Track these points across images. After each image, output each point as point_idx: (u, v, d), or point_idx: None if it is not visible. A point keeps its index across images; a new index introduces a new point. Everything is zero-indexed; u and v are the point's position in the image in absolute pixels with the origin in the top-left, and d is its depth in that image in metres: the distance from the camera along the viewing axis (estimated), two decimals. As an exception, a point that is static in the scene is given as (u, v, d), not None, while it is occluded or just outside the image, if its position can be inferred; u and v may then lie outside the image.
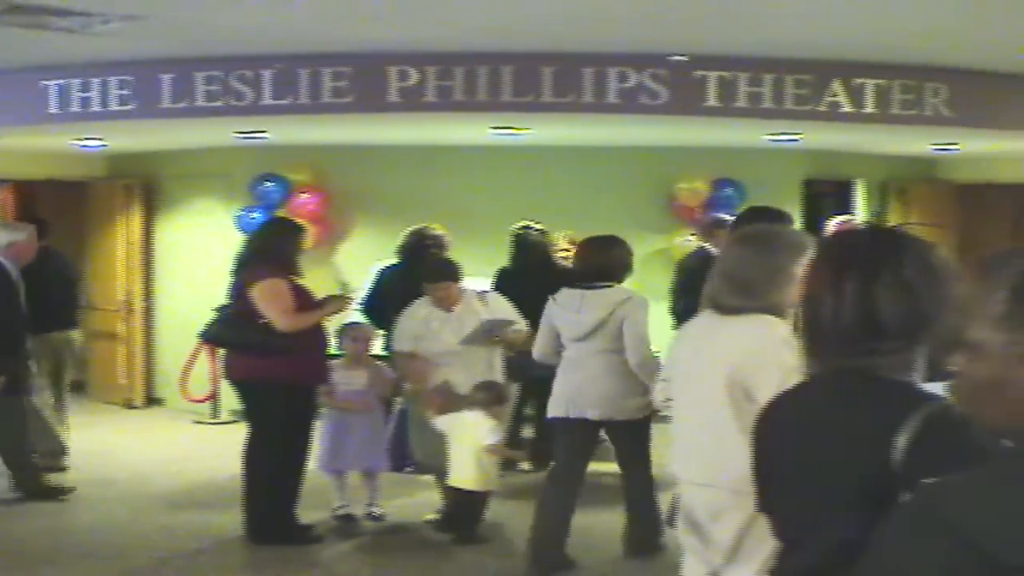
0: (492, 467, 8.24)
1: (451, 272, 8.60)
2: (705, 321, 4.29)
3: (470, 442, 8.12)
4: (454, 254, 9.80)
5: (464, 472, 8.19)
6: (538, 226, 10.73)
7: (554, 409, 7.67)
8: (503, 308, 8.70)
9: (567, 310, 7.68)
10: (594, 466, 8.02)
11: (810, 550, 2.47)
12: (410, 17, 8.62)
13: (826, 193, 15.20)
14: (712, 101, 10.09)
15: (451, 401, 8.31)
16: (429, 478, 9.06)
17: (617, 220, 13.20)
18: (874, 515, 2.18)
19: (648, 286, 12.17)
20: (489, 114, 10.36)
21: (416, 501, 9.37)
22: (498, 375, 8.70)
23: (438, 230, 10.21)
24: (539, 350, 7.93)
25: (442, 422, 8.23)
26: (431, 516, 8.78)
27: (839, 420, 2.51)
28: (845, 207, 14.96)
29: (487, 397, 8.23)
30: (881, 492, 2.33)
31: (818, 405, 2.60)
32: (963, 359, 1.82)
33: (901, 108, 10.49)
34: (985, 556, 1.52)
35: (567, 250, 11.13)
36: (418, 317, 8.50)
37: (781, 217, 6.18)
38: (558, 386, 7.64)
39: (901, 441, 2.33)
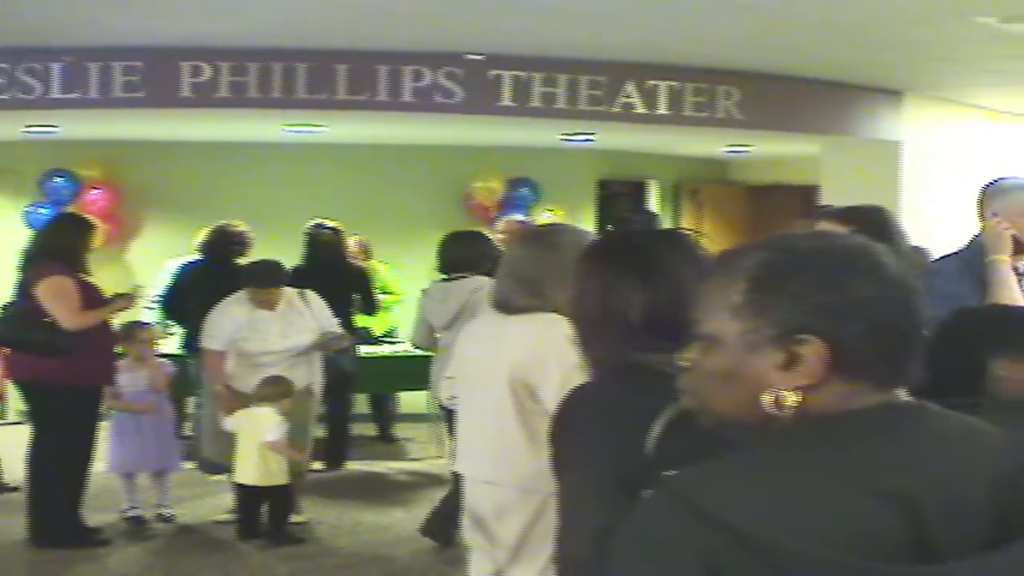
0: (276, 463, 8.11)
1: (280, 277, 8.52)
2: (490, 320, 4.30)
3: (255, 438, 8.02)
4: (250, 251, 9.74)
5: (247, 468, 8.08)
6: (331, 224, 10.66)
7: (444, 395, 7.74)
8: (323, 307, 8.66)
9: (434, 301, 8.12)
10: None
11: (578, 538, 2.50)
12: (203, 12, 8.49)
13: (620, 194, 15.39)
14: (507, 101, 10.12)
15: (238, 399, 8.21)
16: (221, 478, 8.93)
17: (413, 218, 13.26)
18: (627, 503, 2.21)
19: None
20: (283, 111, 10.25)
21: (207, 502, 9.22)
22: (318, 375, 8.69)
23: (241, 227, 10.08)
24: (418, 339, 8.52)
25: (232, 421, 8.12)
26: (222, 517, 8.66)
27: (608, 412, 2.54)
28: (639, 207, 15.17)
29: (274, 392, 8.12)
30: (636, 481, 2.36)
31: (594, 399, 2.64)
32: (698, 351, 1.85)
33: (693, 110, 10.67)
34: (733, 534, 1.56)
35: (356, 254, 11.17)
36: (237, 317, 8.34)
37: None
38: (438, 374, 7.69)
39: (655, 430, 2.37)
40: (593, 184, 14.80)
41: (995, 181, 5.24)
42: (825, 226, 4.67)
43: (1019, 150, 13.44)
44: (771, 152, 14.68)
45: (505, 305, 4.21)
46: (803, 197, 12.37)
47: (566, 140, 12.55)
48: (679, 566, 1.59)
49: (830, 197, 10.93)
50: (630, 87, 10.40)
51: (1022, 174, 12.53)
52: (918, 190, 11.83)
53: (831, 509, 1.57)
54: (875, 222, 4.39)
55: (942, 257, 5.28)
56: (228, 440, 8.26)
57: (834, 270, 1.73)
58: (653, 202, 15.32)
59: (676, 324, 2.50)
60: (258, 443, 8.01)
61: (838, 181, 11.78)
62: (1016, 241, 4.91)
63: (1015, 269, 4.91)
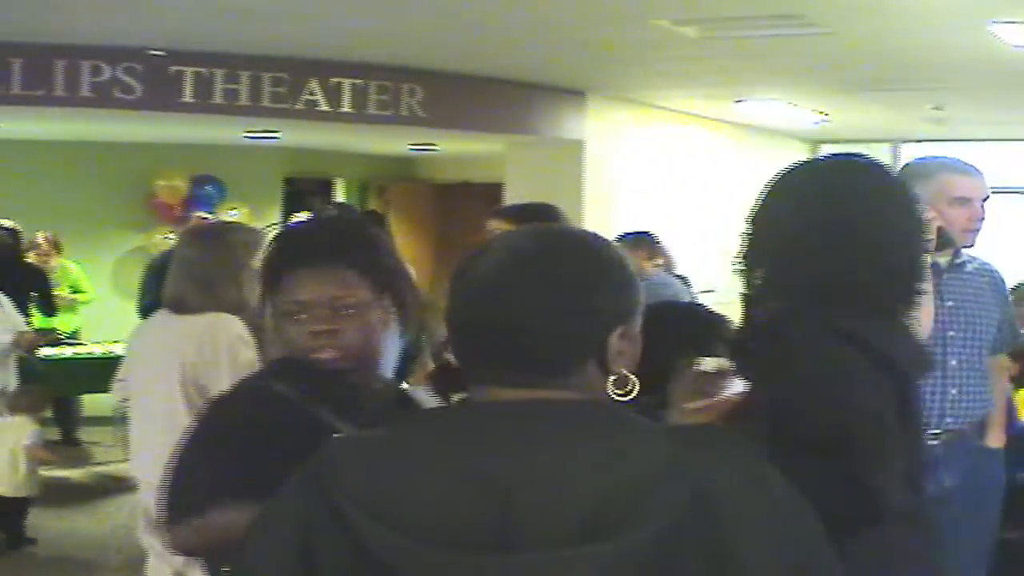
0: (30, 471, 7.99)
1: None
2: (160, 320, 4.21)
3: (6, 447, 7.88)
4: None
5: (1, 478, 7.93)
6: (7, 224, 10.26)
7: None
8: (11, 307, 8.37)
9: None
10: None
11: None
12: None
13: (307, 191, 15.31)
14: (188, 97, 9.90)
15: None
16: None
17: (95, 217, 12.89)
18: None
19: (123, 286, 11.93)
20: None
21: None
22: (13, 376, 8.43)
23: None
24: None
25: None
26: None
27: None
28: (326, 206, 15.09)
29: (28, 402, 8.08)
30: None
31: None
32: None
33: (377, 108, 10.64)
34: (328, 505, 1.63)
35: (46, 250, 10.86)
36: None
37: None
38: None
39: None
40: (279, 182, 14.69)
41: (913, 161, 4.43)
42: (495, 225, 4.71)
43: (698, 149, 13.94)
44: (458, 150, 14.81)
45: (177, 304, 4.13)
46: (490, 195, 12.49)
47: (250, 137, 12.40)
48: (279, 535, 1.67)
49: (515, 195, 11.07)
50: (313, 84, 10.31)
51: (700, 172, 12.91)
52: (601, 188, 12.11)
53: (430, 491, 1.61)
54: (544, 220, 4.44)
55: None
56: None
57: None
58: (340, 200, 15.26)
59: None
60: (10, 452, 7.90)
61: (523, 180, 11.95)
62: (940, 235, 4.04)
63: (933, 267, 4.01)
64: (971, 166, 4.30)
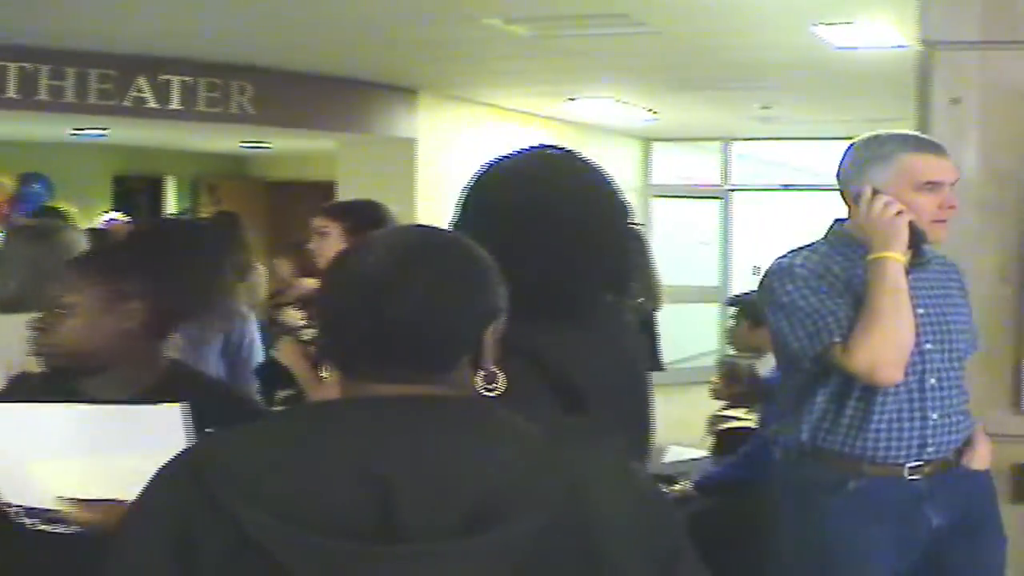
0: None
1: None
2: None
3: None
4: None
5: None
6: None
7: None
8: None
9: None
10: None
11: None
12: None
13: (137, 189, 15.08)
14: (12, 93, 9.67)
15: None
16: None
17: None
18: None
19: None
20: None
21: None
22: None
23: None
24: None
25: None
26: None
27: None
28: (157, 204, 14.92)
29: None
30: None
31: None
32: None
33: (207, 105, 10.52)
34: (208, 496, 1.63)
35: None
36: None
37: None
38: None
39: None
40: (108, 180, 14.42)
41: (863, 139, 3.50)
42: (320, 223, 4.70)
43: (524, 145, 13.98)
44: (290, 148, 14.70)
45: (15, 303, 4.04)
46: (322, 193, 12.40)
47: (77, 135, 12.16)
48: (152, 532, 1.67)
49: (347, 193, 11.01)
50: (142, 81, 10.14)
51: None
52: (433, 186, 12.11)
53: (312, 482, 1.63)
54: (369, 218, 4.42)
55: (785, 256, 3.53)
56: None
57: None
58: (171, 198, 15.08)
59: None
60: None
61: (355, 178, 11.90)
62: (912, 231, 3.35)
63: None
64: (935, 142, 3.51)
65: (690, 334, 13.97)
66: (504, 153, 2.57)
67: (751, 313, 5.99)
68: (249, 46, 9.69)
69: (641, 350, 2.78)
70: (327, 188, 12.18)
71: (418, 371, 1.76)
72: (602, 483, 1.70)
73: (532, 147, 2.63)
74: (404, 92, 11.95)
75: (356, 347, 1.77)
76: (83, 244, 4.27)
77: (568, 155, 2.59)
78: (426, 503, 1.62)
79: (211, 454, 1.72)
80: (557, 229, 2.40)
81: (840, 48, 8.87)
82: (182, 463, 1.72)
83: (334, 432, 1.71)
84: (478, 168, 2.53)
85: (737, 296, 6.83)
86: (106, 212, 13.89)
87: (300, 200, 14.38)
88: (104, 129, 11.82)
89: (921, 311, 3.36)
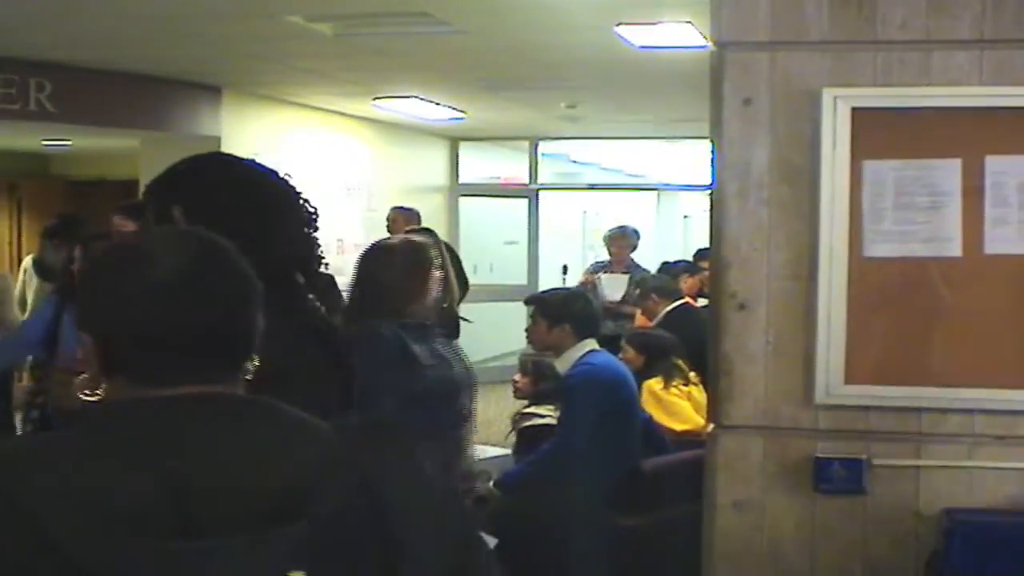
0: None
1: None
2: None
3: None
4: None
5: None
6: None
7: None
8: None
9: None
10: None
11: None
12: None
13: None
14: None
15: None
16: None
17: None
18: None
19: None
20: None
21: None
22: None
23: None
24: None
25: None
26: None
27: None
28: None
29: None
30: None
31: None
32: None
33: (4, 102, 10.23)
34: (9, 500, 1.62)
35: None
36: None
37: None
38: None
39: None
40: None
41: None
42: (119, 221, 4.62)
43: (338, 146, 13.94)
44: (93, 146, 14.40)
45: None
46: (126, 192, 12.18)
47: None
48: None
49: (151, 193, 10.82)
50: (-67, 77, 9.85)
51: (340, 169, 12.89)
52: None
53: (105, 482, 1.62)
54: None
55: None
56: None
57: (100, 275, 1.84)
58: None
59: None
60: None
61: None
62: None
63: None
64: None
65: (499, 333, 14.02)
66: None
67: (549, 312, 6.05)
68: (47, 41, 9.45)
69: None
70: (130, 187, 11.94)
71: (215, 371, 1.78)
72: (393, 475, 1.76)
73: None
74: (208, 90, 11.78)
75: (157, 354, 1.76)
76: None
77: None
78: (222, 499, 1.63)
79: (14, 460, 1.71)
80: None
81: (643, 48, 8.98)
82: None
83: (130, 432, 1.71)
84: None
85: (536, 295, 6.89)
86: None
87: (103, 199, 14.11)
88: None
89: None
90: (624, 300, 10.31)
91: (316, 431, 1.78)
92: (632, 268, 10.83)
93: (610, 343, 6.90)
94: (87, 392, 1.91)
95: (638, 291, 9.44)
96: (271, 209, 2.73)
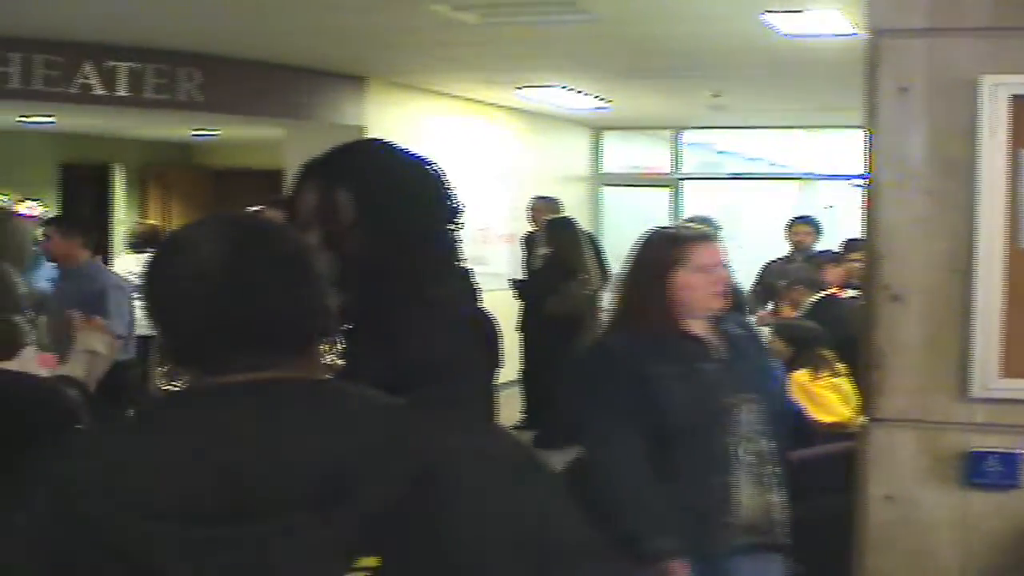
0: None
1: None
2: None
3: None
4: None
5: None
6: None
7: None
8: None
9: None
10: None
11: None
12: None
13: (84, 177, 14.98)
14: (-43, 80, 9.58)
15: None
16: None
17: None
18: None
19: None
20: None
21: None
22: None
23: None
24: None
25: None
26: None
27: None
28: (104, 192, 14.82)
29: None
30: None
31: None
32: None
33: (154, 92, 10.44)
34: (66, 497, 1.65)
35: None
36: None
37: None
38: None
39: None
40: (54, 167, 14.30)
41: None
42: (269, 214, 4.66)
43: (480, 135, 13.98)
44: (237, 136, 14.64)
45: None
46: (270, 181, 12.35)
47: (23, 122, 12.05)
48: (23, 533, 1.68)
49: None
50: (88, 68, 10.04)
51: (483, 158, 12.97)
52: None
53: (162, 472, 1.65)
54: None
55: None
56: None
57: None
58: (119, 185, 14.97)
59: None
60: None
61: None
62: None
63: None
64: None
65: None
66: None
67: None
68: (197, 33, 9.63)
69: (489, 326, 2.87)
70: (275, 176, 12.10)
71: (265, 357, 1.78)
72: (461, 460, 1.72)
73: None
74: (352, 79, 11.90)
75: (209, 343, 1.78)
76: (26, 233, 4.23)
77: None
78: (277, 484, 1.64)
79: (63, 461, 1.74)
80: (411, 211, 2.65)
81: (790, 36, 8.88)
82: (42, 472, 1.74)
83: (185, 423, 1.73)
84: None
85: None
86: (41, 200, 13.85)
87: (247, 188, 14.32)
88: (50, 116, 11.70)
89: None
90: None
91: (377, 414, 1.77)
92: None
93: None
94: (167, 382, 1.93)
95: (784, 282, 9.33)
96: (430, 201, 2.71)
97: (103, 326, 4.48)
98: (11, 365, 3.74)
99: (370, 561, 1.63)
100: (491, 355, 2.73)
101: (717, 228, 10.43)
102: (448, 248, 2.77)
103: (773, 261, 10.66)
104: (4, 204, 12.06)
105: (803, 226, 10.58)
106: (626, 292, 4.13)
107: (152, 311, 1.83)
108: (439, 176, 2.78)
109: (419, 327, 2.53)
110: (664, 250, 4.00)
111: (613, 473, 3.79)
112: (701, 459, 3.88)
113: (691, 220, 10.66)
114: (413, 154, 2.79)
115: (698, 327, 4.01)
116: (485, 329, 2.73)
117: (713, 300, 3.98)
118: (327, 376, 1.90)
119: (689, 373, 3.91)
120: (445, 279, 2.71)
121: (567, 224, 10.94)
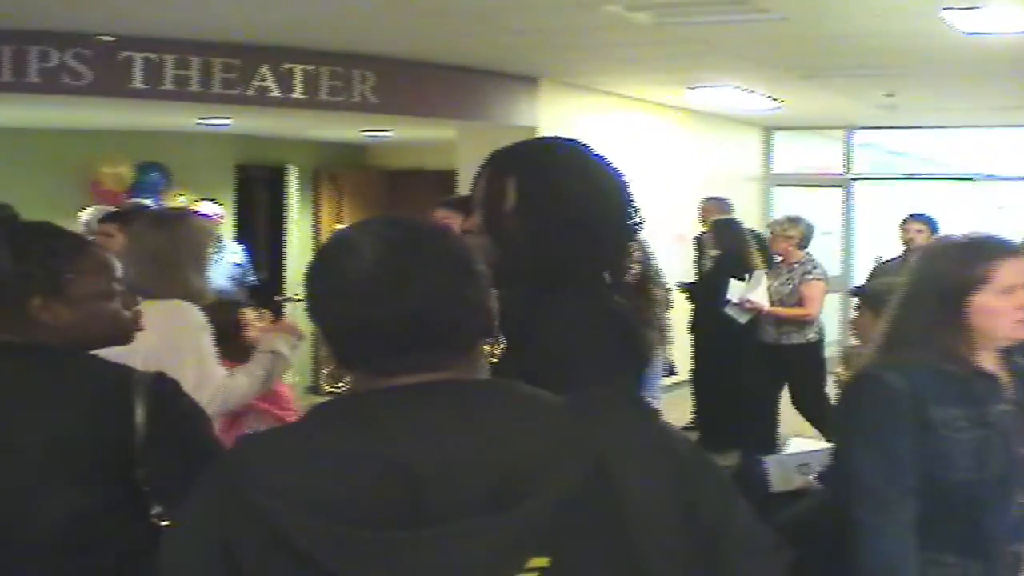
0: None
1: None
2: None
3: None
4: None
5: None
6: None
7: None
8: None
9: None
10: None
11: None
12: None
13: (259, 178, 15.24)
14: (138, 83, 9.78)
15: None
16: None
17: (33, 204, 12.70)
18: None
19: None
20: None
21: None
22: None
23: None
24: None
25: None
26: None
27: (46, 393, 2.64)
28: (278, 193, 15.07)
29: None
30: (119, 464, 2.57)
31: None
32: None
33: (329, 94, 10.58)
34: (244, 504, 1.68)
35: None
36: None
37: None
38: None
39: (139, 416, 2.55)
40: (231, 169, 14.57)
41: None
42: (441, 215, 4.68)
43: (651, 135, 13.94)
44: (410, 137, 14.76)
45: (137, 291, 4.09)
46: (442, 182, 12.46)
47: (201, 124, 12.31)
48: (199, 537, 1.73)
49: (467, 182, 10.95)
50: (265, 70, 10.22)
51: (653, 158, 12.91)
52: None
53: (339, 476, 1.68)
54: None
55: None
56: None
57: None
58: (292, 187, 15.21)
59: None
60: None
61: (475, 166, 11.80)
62: None
63: None
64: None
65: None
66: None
67: (874, 303, 5.89)
68: (371, 35, 9.74)
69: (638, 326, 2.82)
70: (447, 177, 12.20)
71: (432, 358, 1.79)
72: (631, 456, 1.73)
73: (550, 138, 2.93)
74: (525, 80, 11.94)
75: (372, 345, 1.79)
76: (211, 233, 4.33)
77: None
78: (450, 485, 1.66)
79: (242, 457, 1.79)
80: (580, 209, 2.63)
81: (970, 34, 8.70)
82: (217, 469, 1.79)
83: (357, 424, 1.76)
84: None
85: (860, 286, 6.75)
86: (240, 201, 14.12)
87: (420, 189, 14.48)
88: (227, 118, 11.94)
89: None
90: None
91: (547, 411, 1.77)
92: None
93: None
94: (332, 384, 1.95)
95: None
96: (600, 202, 2.69)
97: (292, 327, 4.55)
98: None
99: (541, 561, 1.64)
100: (633, 352, 2.69)
101: (811, 227, 10.30)
102: (618, 243, 2.75)
103: (887, 260, 10.44)
104: (181, 204, 12.33)
105: (916, 223, 10.30)
106: (905, 314, 3.36)
107: (315, 312, 1.84)
108: (615, 173, 2.74)
109: (558, 319, 2.53)
110: (965, 266, 3.24)
111: (894, 550, 3.14)
112: (990, 523, 3.21)
113: (785, 219, 10.47)
114: (595, 153, 2.77)
115: (988, 360, 3.31)
116: (628, 325, 2.69)
117: (1017, 329, 3.25)
118: (490, 376, 1.88)
119: (980, 418, 3.21)
120: (599, 276, 2.70)
121: (733, 225, 10.85)
